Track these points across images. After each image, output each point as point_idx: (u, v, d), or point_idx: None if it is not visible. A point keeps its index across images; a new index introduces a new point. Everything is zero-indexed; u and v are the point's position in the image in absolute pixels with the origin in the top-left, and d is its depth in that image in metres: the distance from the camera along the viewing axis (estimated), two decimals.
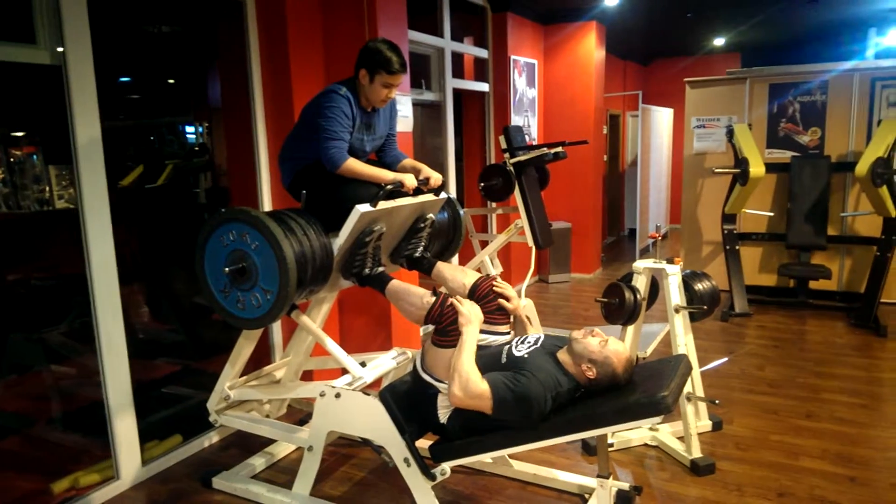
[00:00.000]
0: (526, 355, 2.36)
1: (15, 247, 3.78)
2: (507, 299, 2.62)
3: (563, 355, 2.38)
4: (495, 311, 2.61)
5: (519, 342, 2.47)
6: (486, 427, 2.33)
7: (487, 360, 2.39)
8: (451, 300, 2.42)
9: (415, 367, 2.56)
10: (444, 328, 2.40)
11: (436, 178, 2.84)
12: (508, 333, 2.64)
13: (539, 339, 2.48)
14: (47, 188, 3.94)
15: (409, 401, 2.56)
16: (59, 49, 2.68)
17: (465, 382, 2.24)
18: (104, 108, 2.84)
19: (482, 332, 2.46)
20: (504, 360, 2.39)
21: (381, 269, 2.74)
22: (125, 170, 4.50)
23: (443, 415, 2.43)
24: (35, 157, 3.98)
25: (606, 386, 2.31)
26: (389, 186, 2.61)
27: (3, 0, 2.77)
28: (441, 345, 2.41)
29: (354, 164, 2.65)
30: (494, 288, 2.63)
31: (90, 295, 2.85)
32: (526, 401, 2.20)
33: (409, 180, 2.67)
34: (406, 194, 2.72)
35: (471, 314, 2.39)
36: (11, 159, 3.91)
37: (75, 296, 2.98)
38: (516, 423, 2.27)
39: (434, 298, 2.46)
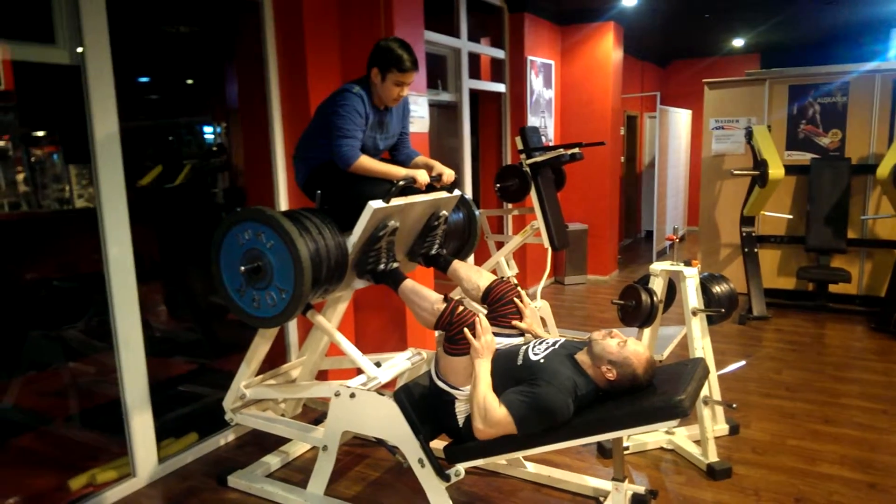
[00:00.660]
0: (542, 359, 2.34)
1: (35, 245, 3.82)
2: (521, 317, 2.64)
3: (582, 356, 2.36)
4: (508, 315, 2.62)
5: (537, 343, 2.45)
6: None
7: (503, 360, 2.38)
8: (465, 331, 2.35)
9: (430, 372, 2.55)
10: (454, 336, 2.37)
11: (448, 174, 2.84)
12: (521, 335, 2.64)
13: (558, 341, 2.47)
14: (67, 187, 3.98)
15: (424, 403, 2.55)
16: (79, 49, 2.71)
17: (485, 413, 2.23)
18: (123, 109, 2.87)
19: (494, 335, 2.45)
20: (520, 361, 2.37)
21: (395, 264, 2.74)
22: (144, 169, 4.53)
23: (461, 419, 2.42)
24: (55, 156, 4.02)
25: (627, 388, 2.28)
26: (402, 182, 2.61)
27: (23, 1, 2.81)
28: (451, 352, 2.38)
29: (367, 162, 2.65)
30: (516, 299, 2.65)
31: (107, 293, 2.87)
32: (546, 411, 2.18)
33: (422, 176, 2.68)
34: (419, 191, 2.73)
35: (483, 349, 2.33)
36: (32, 159, 3.96)
37: (93, 294, 3.01)
38: (543, 432, 2.25)
39: (445, 305, 2.43)
